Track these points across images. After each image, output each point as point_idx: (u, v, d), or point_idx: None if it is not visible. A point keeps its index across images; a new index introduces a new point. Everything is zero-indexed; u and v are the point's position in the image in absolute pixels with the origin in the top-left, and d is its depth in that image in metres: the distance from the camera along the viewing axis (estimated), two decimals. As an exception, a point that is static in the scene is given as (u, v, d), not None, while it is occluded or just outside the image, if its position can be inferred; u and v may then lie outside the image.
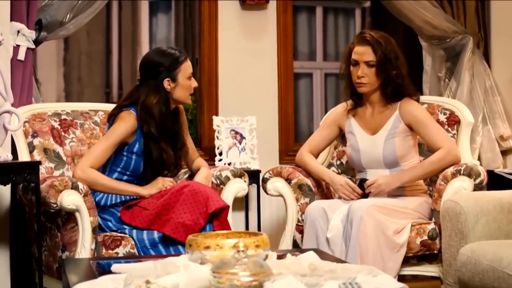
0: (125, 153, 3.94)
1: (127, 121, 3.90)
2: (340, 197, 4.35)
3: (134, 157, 3.93)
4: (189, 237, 2.68)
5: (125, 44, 10.76)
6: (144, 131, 3.90)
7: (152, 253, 3.72)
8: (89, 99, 9.68)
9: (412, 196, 4.13)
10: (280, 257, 2.94)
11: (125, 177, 3.95)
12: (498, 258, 3.24)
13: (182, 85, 3.95)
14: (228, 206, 3.80)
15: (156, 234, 3.74)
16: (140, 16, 10.81)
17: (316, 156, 4.36)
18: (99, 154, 3.85)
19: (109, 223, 3.88)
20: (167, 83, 3.93)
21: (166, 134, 3.96)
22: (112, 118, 3.98)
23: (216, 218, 3.74)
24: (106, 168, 3.95)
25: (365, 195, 4.06)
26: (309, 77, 10.33)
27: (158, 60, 3.94)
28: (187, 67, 3.97)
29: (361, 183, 4.08)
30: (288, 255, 2.91)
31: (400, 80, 4.10)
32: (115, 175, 3.95)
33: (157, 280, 2.46)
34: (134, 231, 3.78)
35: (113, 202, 3.93)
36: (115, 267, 2.78)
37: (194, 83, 4.00)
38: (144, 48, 10.28)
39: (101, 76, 10.82)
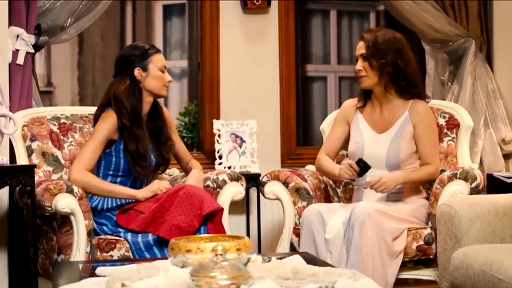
0: (113, 153, 3.97)
1: (108, 119, 3.93)
2: (339, 201, 4.36)
3: (122, 155, 3.96)
4: (171, 241, 2.69)
5: (139, 48, 10.78)
6: (119, 125, 3.94)
7: (147, 255, 3.73)
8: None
9: (410, 201, 4.11)
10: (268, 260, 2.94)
11: (118, 179, 3.97)
12: (489, 262, 3.22)
13: (153, 75, 3.99)
14: (223, 209, 3.80)
15: (150, 237, 3.75)
16: (154, 19, 10.84)
17: (335, 156, 4.30)
18: (90, 155, 3.88)
19: (104, 228, 3.90)
20: (137, 72, 3.98)
21: (140, 123, 3.98)
22: (96, 119, 4.03)
23: (210, 221, 3.75)
24: (99, 173, 3.98)
25: (361, 173, 4.01)
26: (323, 81, 10.31)
27: (130, 52, 4.03)
28: (158, 59, 4.02)
29: (359, 162, 4.01)
30: (273, 258, 2.91)
31: (401, 75, 4.06)
32: (109, 178, 3.97)
33: (136, 284, 2.48)
34: (129, 234, 3.80)
35: (110, 206, 3.95)
36: (99, 270, 2.79)
37: (168, 77, 4.04)
38: (158, 52, 10.29)
39: (115, 80, 10.85)
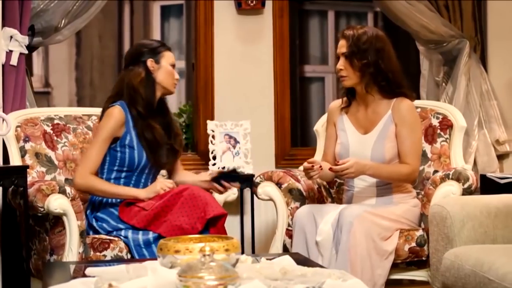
0: (118, 149, 3.96)
1: (113, 115, 3.94)
2: (332, 202, 4.36)
3: (127, 150, 3.96)
4: (160, 241, 2.70)
5: (137, 48, 10.79)
6: (133, 114, 3.95)
7: (145, 253, 3.74)
8: (102, 104, 9.75)
9: (401, 201, 4.08)
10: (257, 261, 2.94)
11: (123, 174, 3.97)
12: (480, 263, 3.23)
13: (165, 69, 4.02)
14: (226, 214, 3.79)
15: (151, 235, 3.76)
16: (151, 20, 10.86)
17: (334, 160, 4.16)
18: (95, 157, 3.90)
19: (104, 225, 3.90)
20: (150, 63, 4.00)
21: (154, 114, 4.00)
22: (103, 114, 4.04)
23: (213, 225, 3.74)
24: (103, 169, 3.98)
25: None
26: (321, 81, 10.32)
27: (141, 46, 4.07)
28: (170, 55, 4.06)
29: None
30: (262, 259, 2.92)
31: (381, 75, 4.02)
32: (114, 174, 3.97)
33: (124, 284, 2.48)
34: (130, 230, 3.81)
35: (113, 201, 3.95)
36: (89, 270, 2.80)
37: (176, 74, 4.07)
38: (156, 53, 10.29)
39: (113, 81, 10.84)
